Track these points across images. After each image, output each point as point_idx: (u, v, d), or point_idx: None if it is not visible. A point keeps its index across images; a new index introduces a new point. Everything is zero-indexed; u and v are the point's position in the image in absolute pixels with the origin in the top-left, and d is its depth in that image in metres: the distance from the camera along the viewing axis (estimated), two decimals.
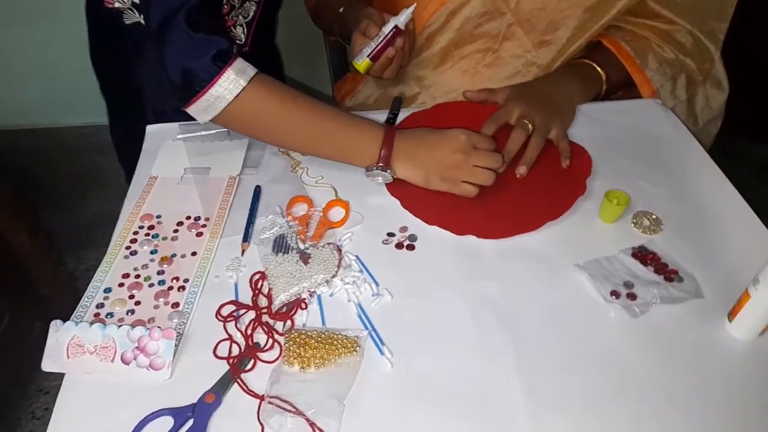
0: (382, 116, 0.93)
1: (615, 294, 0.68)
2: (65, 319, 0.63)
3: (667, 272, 0.70)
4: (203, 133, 0.89)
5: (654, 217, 0.77)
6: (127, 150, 0.97)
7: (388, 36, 0.85)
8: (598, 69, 0.95)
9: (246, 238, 0.74)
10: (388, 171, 0.78)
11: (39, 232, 1.69)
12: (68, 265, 1.77)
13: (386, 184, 0.81)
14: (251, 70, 0.75)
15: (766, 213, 0.79)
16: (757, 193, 0.85)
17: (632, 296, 0.67)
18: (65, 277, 1.68)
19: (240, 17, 0.90)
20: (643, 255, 0.72)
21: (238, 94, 0.74)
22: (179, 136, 0.89)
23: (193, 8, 0.72)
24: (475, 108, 0.93)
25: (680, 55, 0.96)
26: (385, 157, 0.78)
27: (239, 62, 0.74)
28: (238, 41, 0.92)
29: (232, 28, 0.91)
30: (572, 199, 0.78)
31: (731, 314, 0.64)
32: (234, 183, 0.82)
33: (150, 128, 0.92)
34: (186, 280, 0.70)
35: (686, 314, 0.66)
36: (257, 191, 0.81)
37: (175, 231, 0.76)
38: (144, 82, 0.95)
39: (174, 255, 0.73)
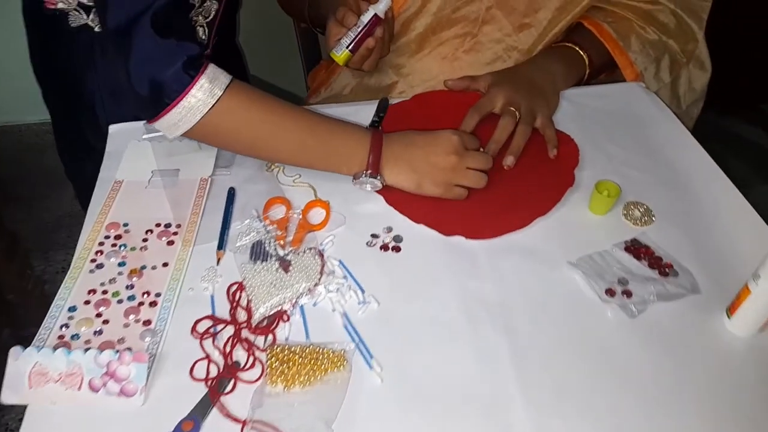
0: (359, 108, 0.89)
1: (610, 292, 0.65)
2: (36, 326, 0.58)
3: (662, 266, 0.68)
4: None
5: (645, 207, 0.75)
6: (76, 167, 0.91)
7: (368, 26, 0.80)
8: (581, 52, 0.92)
9: (221, 245, 0.70)
10: (378, 177, 0.74)
11: (3, 235, 1.62)
12: (36, 269, 1.70)
13: None
14: (225, 77, 0.69)
15: (742, 185, 0.78)
16: (735, 169, 0.84)
17: (628, 293, 0.65)
18: (33, 282, 1.61)
19: (200, 17, 0.82)
20: (636, 249, 0.70)
21: (213, 105, 0.67)
22: (145, 136, 0.83)
23: (159, 10, 0.65)
24: (457, 97, 0.89)
25: (663, 36, 0.93)
26: (373, 163, 0.73)
27: (212, 69, 0.68)
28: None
29: None
30: (561, 192, 0.75)
31: (730, 310, 0.62)
32: (206, 185, 0.77)
33: (113, 128, 0.86)
34: (158, 294, 0.65)
35: (683, 310, 0.64)
36: (231, 193, 0.76)
37: (144, 240, 0.71)
38: (95, 92, 0.88)
39: (144, 267, 0.68)
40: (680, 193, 0.77)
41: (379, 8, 0.80)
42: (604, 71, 0.97)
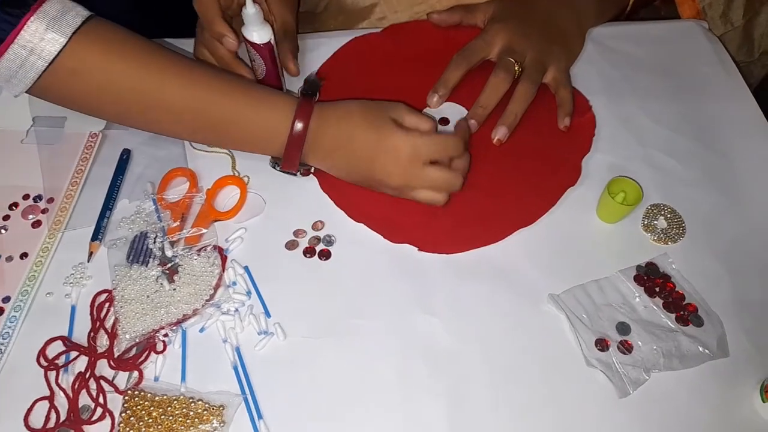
0: (330, 38, 0.68)
1: (602, 344, 0.47)
2: None
3: (682, 309, 0.49)
4: None
5: (674, 213, 0.54)
6: None
7: (265, 60, 0.57)
8: None
9: (96, 235, 0.53)
10: (297, 173, 0.55)
11: None
12: None
13: None
14: (76, 16, 0.48)
15: None
16: None
17: (627, 347, 0.47)
18: None
19: None
20: (649, 279, 0.51)
21: (56, 55, 0.47)
22: None
23: None
24: (446, 33, 0.67)
25: None
26: (290, 156, 0.53)
27: (54, 4, 0.47)
28: None
29: None
30: (557, 192, 0.55)
31: (766, 391, 0.44)
32: (95, 143, 0.59)
33: None
34: (6, 299, 0.50)
35: (701, 381, 0.46)
36: (124, 158, 0.58)
37: (5, 218, 0.55)
38: None
39: None
40: (730, 197, 0.56)
41: (260, 35, 0.55)
42: (652, 3, 0.72)
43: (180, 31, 0.65)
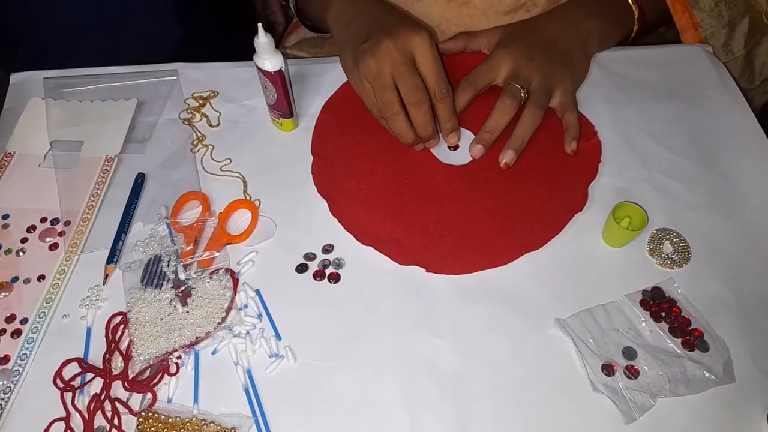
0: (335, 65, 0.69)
1: (609, 369, 0.48)
2: None
3: (688, 334, 0.50)
4: (85, 87, 0.66)
5: (680, 238, 0.55)
6: None
7: (276, 86, 0.59)
8: (629, 1, 0.68)
9: (112, 258, 0.55)
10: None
11: None
12: None
13: (314, 179, 0.59)
14: None
15: None
16: None
17: (633, 372, 0.48)
18: None
19: None
20: (655, 304, 0.51)
21: None
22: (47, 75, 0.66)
23: None
24: (452, 58, 0.68)
25: None
26: None
27: None
28: None
29: None
30: (564, 218, 0.55)
31: None
32: (111, 167, 0.61)
33: (15, 77, 0.69)
34: (23, 321, 0.52)
35: (706, 407, 0.46)
36: (138, 182, 0.60)
37: (24, 240, 0.57)
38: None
39: (15, 279, 0.54)
40: (735, 220, 0.56)
41: (276, 64, 0.57)
42: (657, 29, 0.72)
43: None
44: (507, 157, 0.59)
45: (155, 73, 0.68)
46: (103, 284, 0.53)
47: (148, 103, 0.65)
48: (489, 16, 0.71)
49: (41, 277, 0.54)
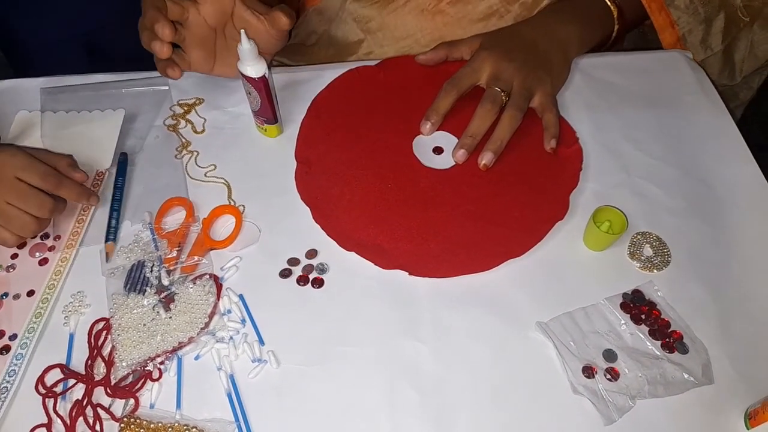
0: (319, 73, 0.70)
1: (589, 371, 0.48)
2: None
3: (668, 336, 0.50)
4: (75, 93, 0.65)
5: (660, 241, 0.56)
6: None
7: (260, 92, 0.59)
8: (607, 1, 0.68)
9: (108, 236, 0.56)
10: None
11: None
12: None
13: (297, 186, 0.60)
14: None
15: None
16: None
17: (613, 374, 0.48)
18: None
19: None
20: (635, 307, 0.52)
21: None
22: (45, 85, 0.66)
23: None
24: (436, 66, 0.69)
25: None
26: None
27: None
28: None
29: None
30: (546, 226, 0.56)
31: (750, 418, 0.45)
32: (101, 181, 0.61)
33: (5, 84, 0.69)
34: (12, 337, 0.51)
35: (684, 409, 0.47)
36: (122, 161, 0.60)
37: (14, 256, 0.56)
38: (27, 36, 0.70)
39: (5, 295, 0.54)
40: (714, 225, 0.57)
41: (259, 70, 0.57)
42: (634, 29, 0.73)
43: None
44: (486, 159, 0.60)
45: (147, 81, 0.67)
46: (107, 262, 0.54)
47: (138, 113, 0.65)
48: (463, 24, 0.71)
49: (30, 293, 0.53)
